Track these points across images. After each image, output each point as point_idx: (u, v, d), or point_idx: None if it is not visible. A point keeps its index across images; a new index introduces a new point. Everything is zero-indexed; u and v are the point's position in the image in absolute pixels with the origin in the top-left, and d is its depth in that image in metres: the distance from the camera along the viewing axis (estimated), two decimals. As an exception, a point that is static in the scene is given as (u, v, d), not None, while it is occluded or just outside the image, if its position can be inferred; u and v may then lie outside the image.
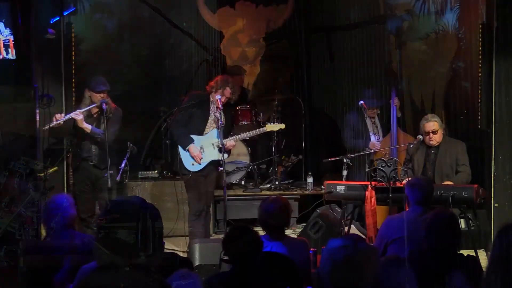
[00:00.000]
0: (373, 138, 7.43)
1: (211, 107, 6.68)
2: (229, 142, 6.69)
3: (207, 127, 6.69)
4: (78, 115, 6.25)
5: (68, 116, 6.23)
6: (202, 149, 6.64)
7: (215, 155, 6.67)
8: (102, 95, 6.40)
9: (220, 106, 6.50)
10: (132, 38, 9.68)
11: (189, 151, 6.59)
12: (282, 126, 7.27)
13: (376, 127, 7.53)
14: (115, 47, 9.58)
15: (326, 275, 2.27)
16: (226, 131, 6.88)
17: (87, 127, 6.33)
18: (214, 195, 7.85)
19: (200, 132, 6.67)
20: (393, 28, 9.93)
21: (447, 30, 9.59)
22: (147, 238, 2.15)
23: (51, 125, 6.15)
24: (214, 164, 6.73)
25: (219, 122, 6.50)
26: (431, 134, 6.67)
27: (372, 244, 5.34)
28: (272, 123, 7.27)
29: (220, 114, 6.51)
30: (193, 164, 6.63)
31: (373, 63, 9.69)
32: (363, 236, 6.57)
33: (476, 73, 9.17)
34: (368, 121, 7.46)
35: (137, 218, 2.15)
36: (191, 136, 6.63)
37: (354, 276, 2.24)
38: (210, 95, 6.68)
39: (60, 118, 6.19)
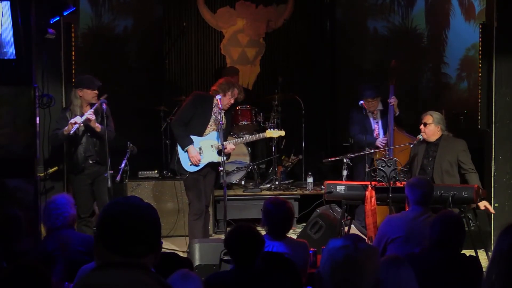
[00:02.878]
0: (377, 139, 7.39)
1: (214, 109, 6.67)
2: (229, 145, 6.67)
3: (207, 128, 6.68)
4: (92, 115, 6.27)
5: (84, 117, 6.25)
6: (201, 150, 6.63)
7: (213, 157, 6.66)
8: (96, 92, 6.40)
9: (220, 106, 6.49)
10: (132, 38, 9.69)
11: (187, 152, 6.58)
12: (282, 133, 7.23)
13: (377, 122, 7.48)
14: (117, 47, 9.61)
15: (327, 275, 2.26)
16: (226, 134, 6.87)
17: (98, 126, 6.34)
18: (214, 195, 7.86)
19: (200, 133, 6.66)
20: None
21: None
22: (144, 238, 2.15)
23: (74, 130, 6.19)
24: (212, 165, 6.72)
25: (220, 123, 6.51)
26: (421, 125, 6.69)
27: (371, 244, 5.35)
28: (272, 129, 7.26)
29: (221, 115, 6.51)
30: (190, 165, 6.62)
31: (372, 61, 9.76)
32: (364, 236, 6.58)
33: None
34: (370, 119, 7.43)
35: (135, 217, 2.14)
36: (191, 136, 6.63)
37: (355, 276, 2.24)
38: (214, 98, 6.66)
39: (79, 121, 6.21)
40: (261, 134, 7.04)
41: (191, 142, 6.59)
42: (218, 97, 6.55)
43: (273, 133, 7.13)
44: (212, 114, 6.66)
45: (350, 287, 2.24)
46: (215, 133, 6.67)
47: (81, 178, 6.51)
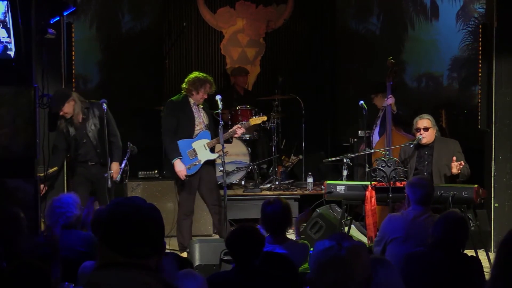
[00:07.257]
0: (376, 137, 7.37)
1: (194, 109, 6.72)
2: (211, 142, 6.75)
3: (195, 129, 6.73)
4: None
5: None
6: (195, 151, 6.68)
7: (208, 155, 6.75)
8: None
9: (220, 106, 6.59)
10: (132, 38, 9.69)
11: (173, 165, 6.59)
12: (264, 118, 7.49)
13: (379, 117, 7.47)
14: (117, 47, 9.60)
15: (318, 279, 2.23)
16: (213, 131, 6.90)
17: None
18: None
19: (190, 135, 6.71)
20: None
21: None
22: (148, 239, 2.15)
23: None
24: (208, 165, 6.77)
25: (220, 122, 6.56)
26: (422, 131, 6.63)
27: (372, 244, 5.35)
28: (255, 117, 7.45)
29: (219, 114, 6.59)
30: (189, 168, 6.65)
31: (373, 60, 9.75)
32: (364, 236, 6.58)
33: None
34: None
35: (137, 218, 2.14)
36: (184, 140, 6.66)
37: (345, 275, 2.20)
38: (188, 98, 6.71)
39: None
40: (244, 122, 7.10)
41: (179, 155, 6.60)
42: (218, 97, 6.67)
43: (256, 120, 7.39)
44: (194, 114, 6.71)
45: (342, 287, 2.22)
46: (204, 132, 6.75)
47: (81, 181, 6.59)
